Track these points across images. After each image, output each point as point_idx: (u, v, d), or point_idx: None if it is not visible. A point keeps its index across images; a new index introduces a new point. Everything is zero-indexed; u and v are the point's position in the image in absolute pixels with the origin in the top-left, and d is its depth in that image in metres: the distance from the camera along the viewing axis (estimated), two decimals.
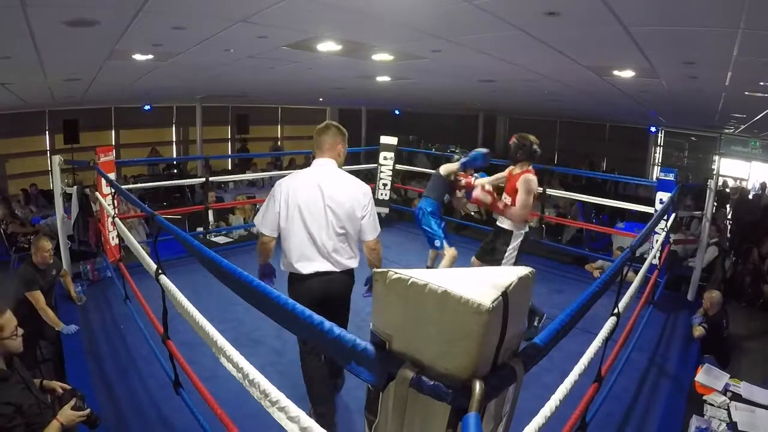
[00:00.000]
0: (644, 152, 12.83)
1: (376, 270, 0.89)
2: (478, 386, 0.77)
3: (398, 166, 6.63)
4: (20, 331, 1.90)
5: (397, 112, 15.06)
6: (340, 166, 2.42)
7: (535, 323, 3.43)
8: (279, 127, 14.37)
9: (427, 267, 4.27)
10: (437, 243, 4.04)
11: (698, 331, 3.52)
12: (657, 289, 4.07)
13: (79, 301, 3.89)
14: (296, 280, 2.35)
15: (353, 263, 2.41)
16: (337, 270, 2.35)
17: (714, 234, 5.23)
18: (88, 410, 1.97)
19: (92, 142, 9.07)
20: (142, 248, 2.76)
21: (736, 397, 2.87)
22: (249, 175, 8.90)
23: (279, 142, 14.02)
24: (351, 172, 2.55)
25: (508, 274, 0.88)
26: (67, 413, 1.89)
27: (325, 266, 2.31)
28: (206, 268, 1.54)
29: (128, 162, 10.06)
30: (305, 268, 2.30)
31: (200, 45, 4.19)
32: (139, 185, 8.48)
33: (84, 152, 8.99)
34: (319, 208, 2.27)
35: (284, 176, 2.43)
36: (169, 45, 4.20)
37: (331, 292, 2.35)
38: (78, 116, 9.73)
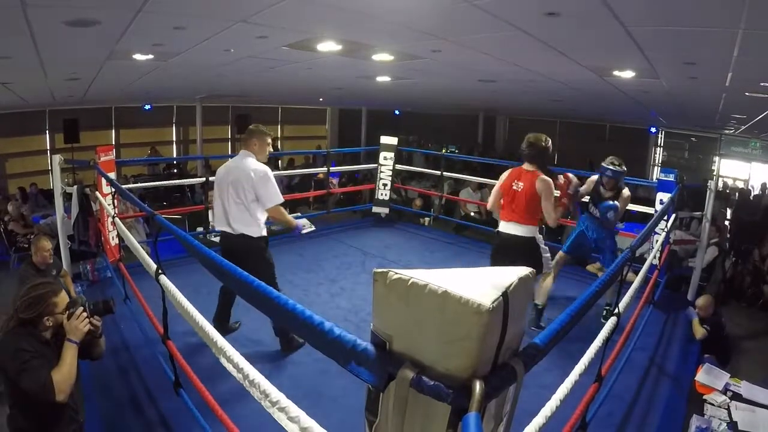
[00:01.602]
0: (644, 153, 12.83)
1: (376, 270, 0.89)
2: (478, 386, 0.77)
3: (398, 166, 6.63)
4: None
5: (397, 112, 15.06)
6: (258, 156, 3.10)
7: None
8: (279, 127, 14.37)
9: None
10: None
11: (700, 332, 3.52)
12: (657, 289, 4.08)
13: None
14: None
15: (248, 231, 3.02)
16: (233, 233, 3.03)
17: (713, 234, 5.23)
18: (81, 309, 1.82)
19: (92, 142, 9.04)
20: (142, 248, 2.76)
21: (737, 397, 2.87)
22: None
23: (278, 143, 14.02)
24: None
25: (508, 274, 0.88)
26: (69, 326, 1.78)
27: (226, 228, 3.07)
28: (206, 268, 1.55)
29: (128, 161, 10.06)
30: (217, 226, 3.15)
31: (200, 45, 4.19)
32: (139, 185, 8.48)
33: (84, 152, 8.98)
34: (224, 185, 3.04)
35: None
36: (169, 45, 4.20)
37: (231, 248, 3.03)
38: (78, 116, 9.72)
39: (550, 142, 3.22)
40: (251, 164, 3.03)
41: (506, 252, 3.32)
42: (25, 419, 1.76)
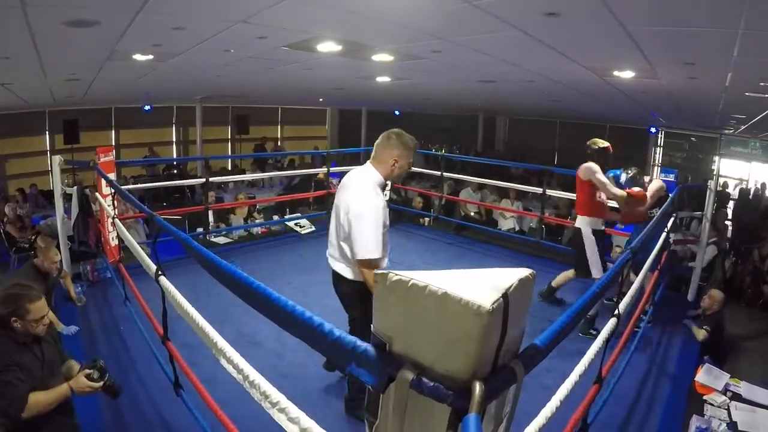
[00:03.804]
0: (644, 153, 12.83)
1: (376, 271, 0.89)
2: (478, 387, 0.77)
3: None
4: (47, 320, 1.91)
5: (397, 112, 15.06)
6: (391, 175, 2.39)
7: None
8: (279, 127, 14.37)
9: None
10: None
11: (701, 334, 3.51)
12: (657, 289, 4.07)
13: (78, 302, 3.88)
14: None
15: (340, 270, 2.43)
16: (330, 263, 2.49)
17: (712, 234, 5.22)
18: (101, 384, 1.89)
19: (92, 143, 9.07)
20: (142, 249, 2.76)
21: (737, 397, 2.87)
22: (249, 176, 8.90)
23: (279, 143, 14.02)
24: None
25: (508, 275, 0.88)
26: (80, 380, 1.84)
27: (330, 262, 2.50)
28: (205, 269, 1.54)
29: (128, 162, 10.06)
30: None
31: (200, 45, 4.19)
32: (139, 185, 8.48)
33: (84, 152, 9.00)
34: (336, 201, 2.39)
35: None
36: (169, 45, 4.20)
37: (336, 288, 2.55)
38: (78, 116, 9.74)
39: (601, 144, 3.72)
40: (360, 188, 2.24)
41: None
42: (11, 422, 1.76)
